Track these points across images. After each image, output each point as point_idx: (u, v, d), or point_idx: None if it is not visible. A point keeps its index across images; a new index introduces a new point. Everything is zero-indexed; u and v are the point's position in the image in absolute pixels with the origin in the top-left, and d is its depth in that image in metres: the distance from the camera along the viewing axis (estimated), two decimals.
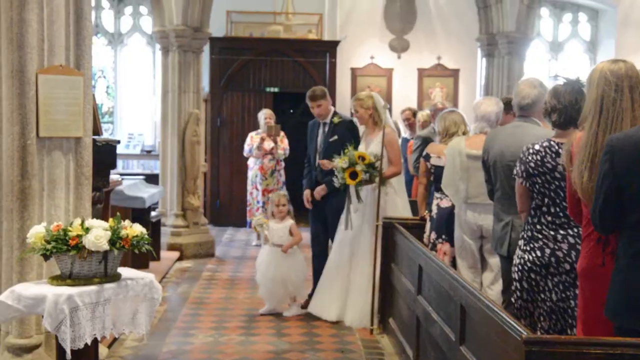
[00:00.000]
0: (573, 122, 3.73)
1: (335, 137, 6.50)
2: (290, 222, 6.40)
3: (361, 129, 6.77)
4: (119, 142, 4.89)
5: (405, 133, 9.36)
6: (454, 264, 5.37)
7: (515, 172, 3.95)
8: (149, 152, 13.20)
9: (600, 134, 3.00)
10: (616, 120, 3.00)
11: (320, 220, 6.71)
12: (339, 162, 6.05)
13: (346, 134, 6.49)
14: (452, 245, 5.50)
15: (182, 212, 9.42)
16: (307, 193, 6.73)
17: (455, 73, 13.06)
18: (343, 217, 6.38)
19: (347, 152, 6.10)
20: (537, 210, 3.84)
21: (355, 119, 6.74)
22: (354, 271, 6.29)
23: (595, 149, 3.00)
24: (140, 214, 7.39)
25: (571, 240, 3.72)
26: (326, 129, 6.63)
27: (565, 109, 3.71)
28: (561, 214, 3.73)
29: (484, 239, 5.21)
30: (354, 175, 6.03)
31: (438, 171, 5.65)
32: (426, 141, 6.97)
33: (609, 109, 3.02)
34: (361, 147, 6.39)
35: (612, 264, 2.96)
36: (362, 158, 6.04)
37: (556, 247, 3.73)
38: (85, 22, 3.82)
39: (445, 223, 5.54)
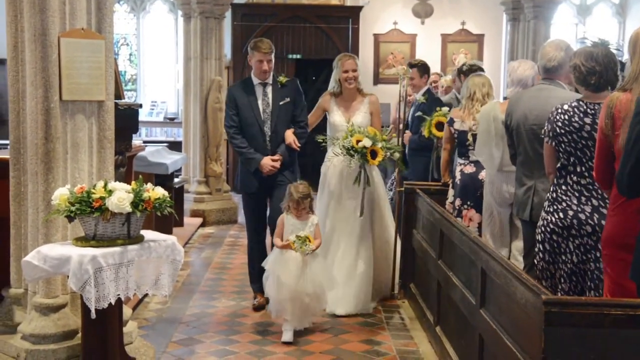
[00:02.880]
0: (609, 84, 3.69)
1: (287, 99, 5.58)
2: (315, 219, 5.13)
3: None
4: (141, 106, 4.92)
5: None
6: (479, 230, 5.36)
7: (543, 132, 3.91)
8: (172, 119, 13.26)
9: None
10: None
11: (262, 203, 5.67)
12: (353, 139, 5.36)
13: (297, 95, 5.69)
14: (477, 211, 5.48)
15: (204, 178, 9.51)
16: (267, 159, 5.44)
17: (479, 38, 12.92)
18: (339, 202, 5.70)
19: (358, 129, 5.46)
20: (562, 171, 3.80)
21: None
22: (365, 255, 5.71)
23: None
24: (163, 180, 7.44)
25: (594, 202, 3.68)
26: (268, 90, 5.57)
27: (605, 70, 3.66)
28: (586, 174, 3.69)
29: (513, 207, 5.17)
30: (372, 155, 5.41)
31: (461, 136, 5.60)
32: (448, 107, 6.91)
33: None
34: (337, 117, 5.79)
35: None
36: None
37: (579, 209, 3.71)
38: None
39: (471, 189, 5.52)
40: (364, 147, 5.33)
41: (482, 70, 6.42)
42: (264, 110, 5.53)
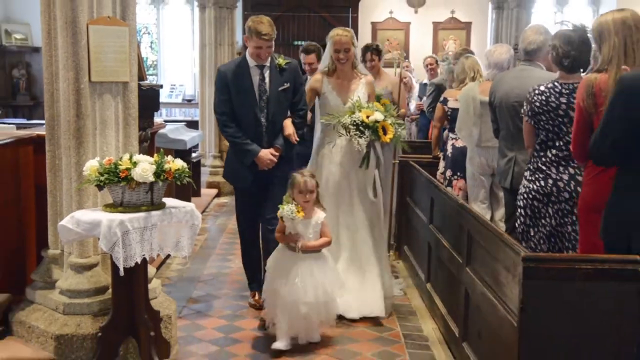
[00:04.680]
0: (581, 67, 3.69)
1: (287, 84, 4.48)
2: (321, 215, 4.02)
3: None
4: (161, 86, 4.93)
5: (425, 79, 9.22)
6: (467, 199, 5.38)
7: (522, 111, 3.91)
8: (189, 101, 13.22)
9: None
10: None
11: (257, 199, 4.51)
12: (362, 114, 4.38)
13: (297, 80, 4.59)
14: (466, 181, 5.49)
15: (219, 153, 9.55)
16: (266, 152, 4.45)
17: (467, 26, 12.82)
18: (351, 186, 4.63)
19: (366, 104, 4.53)
20: (542, 145, 3.81)
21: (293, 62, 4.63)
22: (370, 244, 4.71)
23: None
24: (182, 155, 7.36)
25: (571, 171, 3.70)
26: (266, 74, 4.45)
27: (578, 54, 3.65)
28: (563, 148, 3.71)
29: (494, 177, 5.18)
30: (383, 131, 4.47)
31: (455, 113, 5.58)
32: (439, 88, 6.90)
33: (635, 51, 3.01)
34: (332, 100, 4.70)
35: None
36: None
37: (558, 177, 3.73)
38: None
39: (461, 161, 5.53)
40: (376, 122, 4.37)
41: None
42: (260, 97, 4.43)
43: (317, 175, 4.35)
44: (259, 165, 4.43)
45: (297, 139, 4.55)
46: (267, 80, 4.44)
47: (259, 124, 4.44)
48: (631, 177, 2.85)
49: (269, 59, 4.43)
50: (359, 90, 4.70)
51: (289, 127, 4.48)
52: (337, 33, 4.64)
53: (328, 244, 4.05)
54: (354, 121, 4.36)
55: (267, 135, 4.46)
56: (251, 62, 4.43)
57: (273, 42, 4.34)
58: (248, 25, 4.35)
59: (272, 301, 3.98)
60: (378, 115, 4.36)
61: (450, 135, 5.74)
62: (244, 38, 4.47)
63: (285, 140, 4.51)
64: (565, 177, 3.71)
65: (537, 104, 3.76)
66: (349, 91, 4.70)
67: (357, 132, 4.35)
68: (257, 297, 4.66)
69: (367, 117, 4.37)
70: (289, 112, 4.63)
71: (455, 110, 5.57)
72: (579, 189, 3.61)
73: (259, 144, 4.43)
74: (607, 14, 3.18)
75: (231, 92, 4.42)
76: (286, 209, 3.87)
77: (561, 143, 3.72)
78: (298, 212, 3.87)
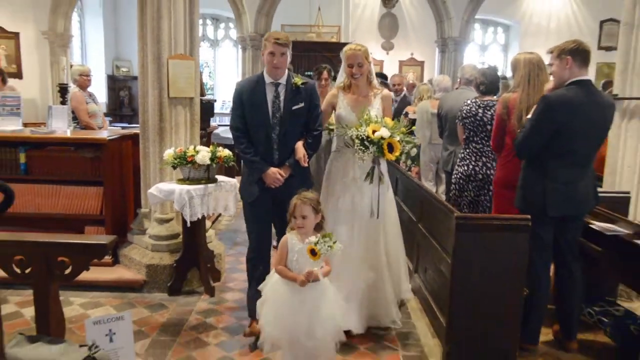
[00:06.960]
0: (492, 92, 3.71)
1: (301, 104, 2.96)
2: None
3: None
4: (215, 101, 4.91)
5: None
6: (420, 178, 5.37)
7: (456, 117, 3.93)
8: None
9: (530, 94, 3.02)
10: (539, 86, 3.01)
11: (267, 219, 3.04)
12: (369, 128, 2.89)
13: (312, 101, 3.01)
14: (420, 167, 5.47)
15: None
16: (274, 170, 2.94)
17: (421, 63, 12.70)
18: (357, 203, 3.10)
19: (375, 119, 2.97)
20: (466, 141, 3.82)
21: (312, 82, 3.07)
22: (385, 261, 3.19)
23: (527, 104, 3.00)
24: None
25: (484, 160, 3.72)
26: (281, 91, 2.95)
27: (490, 84, 3.70)
28: (479, 143, 3.72)
29: (439, 164, 5.18)
30: (389, 148, 2.93)
31: (414, 122, 5.56)
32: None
33: (535, 80, 3.02)
34: (344, 114, 3.17)
35: None
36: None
37: (475, 164, 3.74)
38: (194, 28, 3.76)
39: (417, 155, 5.49)
40: (382, 138, 2.89)
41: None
42: (273, 114, 2.94)
43: (330, 188, 3.18)
44: (266, 182, 2.96)
45: (306, 163, 2.98)
46: (281, 98, 2.95)
47: (270, 141, 2.95)
48: (544, 167, 2.70)
49: (286, 77, 2.98)
50: (375, 105, 3.17)
51: (299, 150, 2.96)
52: (350, 47, 3.22)
53: (329, 272, 2.46)
54: (359, 135, 2.93)
55: (279, 152, 2.96)
56: (267, 79, 2.97)
57: (288, 53, 2.92)
58: (264, 37, 2.99)
59: (273, 332, 2.39)
60: (384, 132, 2.89)
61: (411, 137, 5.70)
62: (261, 52, 3.12)
63: (296, 163, 2.98)
64: (480, 164, 3.73)
65: (464, 112, 3.79)
66: (363, 105, 3.17)
67: (362, 147, 2.92)
68: (254, 325, 3.01)
69: (373, 132, 2.91)
70: (302, 132, 3.06)
71: (414, 120, 5.55)
72: (488, 172, 3.63)
73: (270, 161, 2.96)
74: (521, 53, 3.19)
75: (245, 107, 2.96)
76: (322, 245, 2.30)
77: (478, 139, 3.74)
78: (332, 245, 2.32)
